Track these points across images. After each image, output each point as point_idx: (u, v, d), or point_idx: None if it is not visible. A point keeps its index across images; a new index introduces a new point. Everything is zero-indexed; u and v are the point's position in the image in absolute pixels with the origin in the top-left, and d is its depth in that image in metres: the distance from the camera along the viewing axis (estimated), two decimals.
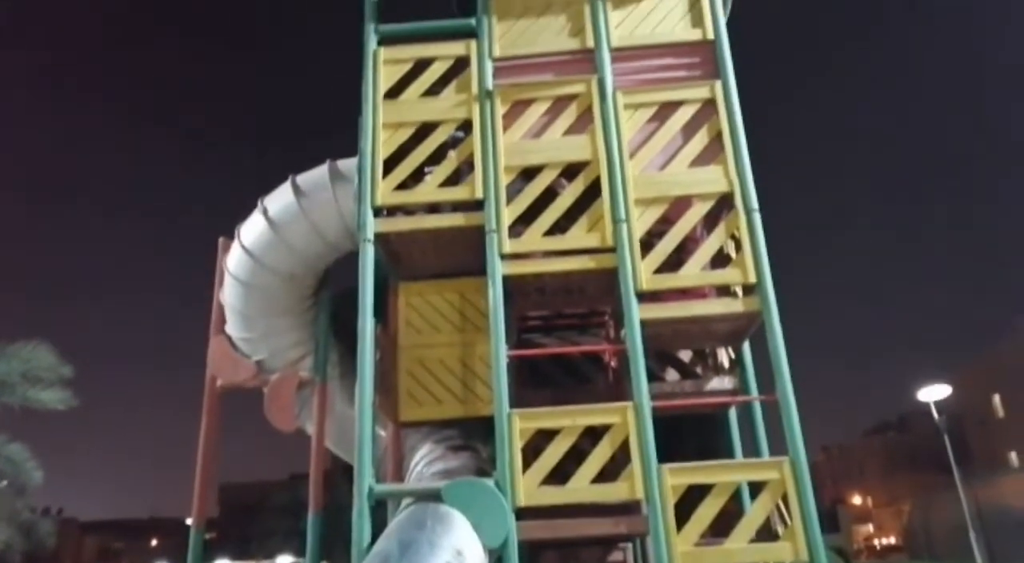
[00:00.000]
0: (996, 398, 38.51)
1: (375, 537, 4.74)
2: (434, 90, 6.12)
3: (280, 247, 7.36)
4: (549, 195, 5.72)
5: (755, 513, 4.94)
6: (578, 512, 5.02)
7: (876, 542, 53.74)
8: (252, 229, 7.47)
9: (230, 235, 7.87)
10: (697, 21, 6.15)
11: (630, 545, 7.07)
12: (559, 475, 4.97)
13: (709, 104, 5.83)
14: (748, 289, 5.49)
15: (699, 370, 6.59)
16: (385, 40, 6.32)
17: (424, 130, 5.98)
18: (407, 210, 6.00)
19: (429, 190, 5.87)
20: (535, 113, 5.93)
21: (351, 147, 6.37)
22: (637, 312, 5.27)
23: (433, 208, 6.00)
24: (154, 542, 64.39)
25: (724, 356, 6.61)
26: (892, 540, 51.05)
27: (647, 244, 5.49)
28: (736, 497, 5.49)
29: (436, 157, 5.95)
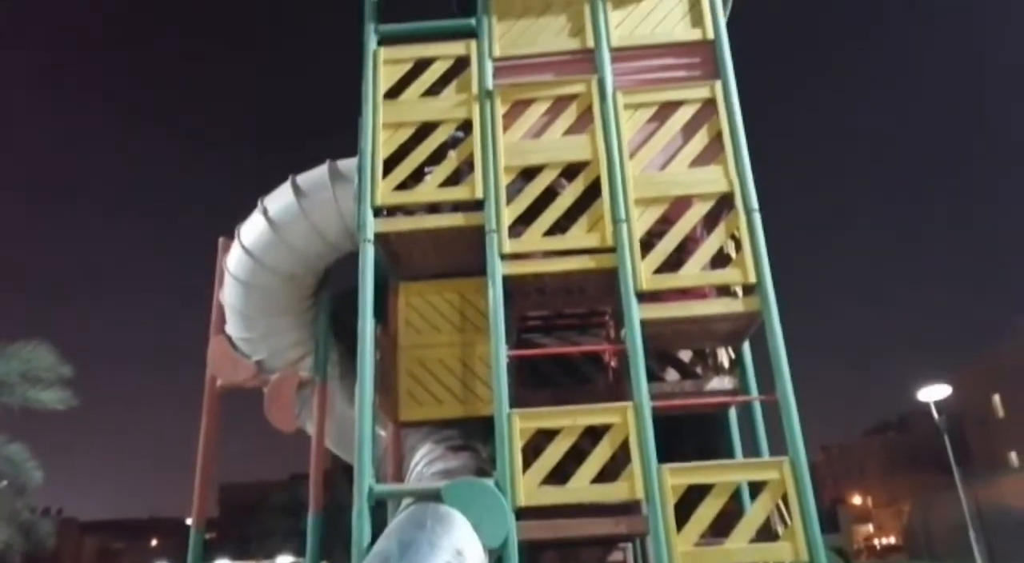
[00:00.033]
0: (996, 398, 38.53)
1: (375, 537, 4.74)
2: (434, 90, 6.12)
3: (280, 247, 7.36)
4: (549, 195, 5.72)
5: (755, 513, 4.94)
6: (578, 512, 5.02)
7: (876, 542, 53.76)
8: (252, 229, 7.47)
9: (230, 235, 7.87)
10: (697, 21, 6.15)
11: (630, 545, 7.07)
12: (559, 475, 4.97)
13: (709, 104, 5.84)
14: (748, 289, 5.49)
15: (699, 370, 6.59)
16: (385, 40, 6.32)
17: (424, 130, 5.98)
18: (407, 210, 6.00)
19: (429, 190, 5.87)
20: (535, 113, 5.93)
21: (351, 147, 6.37)
22: (637, 312, 5.27)
23: (433, 208, 6.00)
24: (154, 542, 64.40)
25: (724, 356, 6.61)
26: (892, 540, 51.06)
27: (647, 244, 5.49)
28: (736, 497, 5.49)
29: (436, 157, 5.94)
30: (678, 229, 5.55)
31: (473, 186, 5.68)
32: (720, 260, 5.60)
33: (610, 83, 5.92)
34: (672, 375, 6.61)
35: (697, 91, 5.89)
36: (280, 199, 7.33)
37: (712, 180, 5.64)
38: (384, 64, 6.17)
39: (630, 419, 5.00)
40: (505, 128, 5.87)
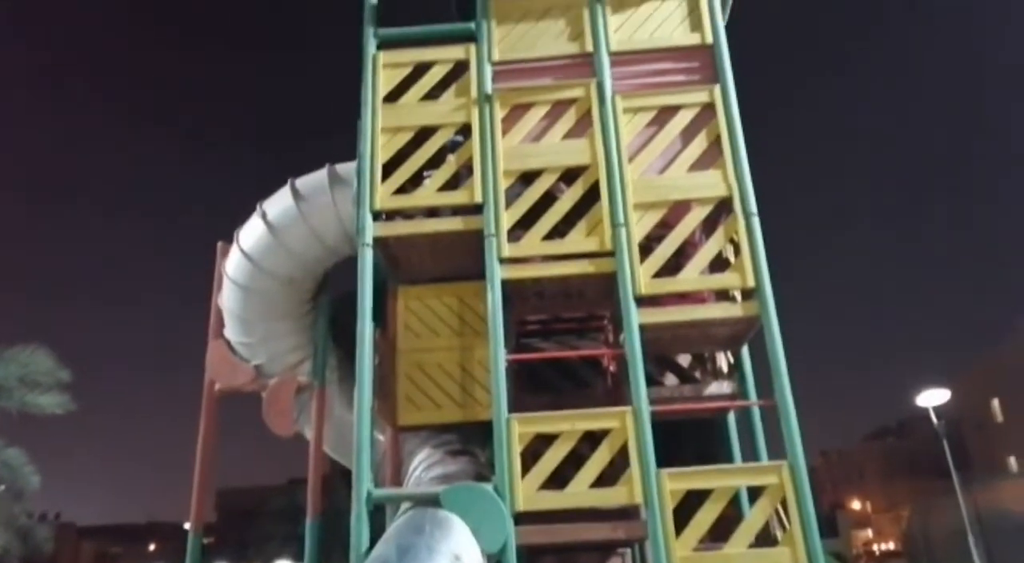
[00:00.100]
0: (995, 402, 38.50)
1: (373, 542, 4.72)
2: (433, 94, 6.12)
3: (279, 251, 7.36)
4: (548, 199, 5.72)
5: (754, 518, 4.93)
6: (577, 517, 5.00)
7: (875, 547, 53.69)
8: (251, 233, 7.47)
9: (229, 239, 7.87)
10: (696, 25, 6.15)
11: (629, 550, 7.05)
12: (558, 480, 4.95)
13: (708, 108, 5.84)
14: (747, 293, 5.49)
15: (698, 374, 6.59)
16: (384, 44, 6.33)
17: (423, 134, 5.98)
18: (406, 214, 6.00)
19: (428, 194, 5.87)
20: (534, 117, 5.94)
21: (351, 147, 6.36)
22: (636, 316, 5.26)
23: (432, 212, 6.00)
24: (152, 547, 64.25)
25: (723, 360, 6.61)
26: (891, 545, 50.98)
27: (646, 248, 5.48)
28: (735, 502, 5.48)
29: (435, 161, 5.95)
30: (677, 233, 5.55)
31: (472, 190, 5.68)
32: (719, 264, 5.60)
33: (609, 87, 5.93)
34: (671, 379, 6.61)
35: (696, 95, 5.90)
36: (279, 203, 7.33)
37: (711, 184, 5.64)
38: (383, 68, 6.18)
39: (629, 424, 4.99)
40: (504, 132, 5.87)
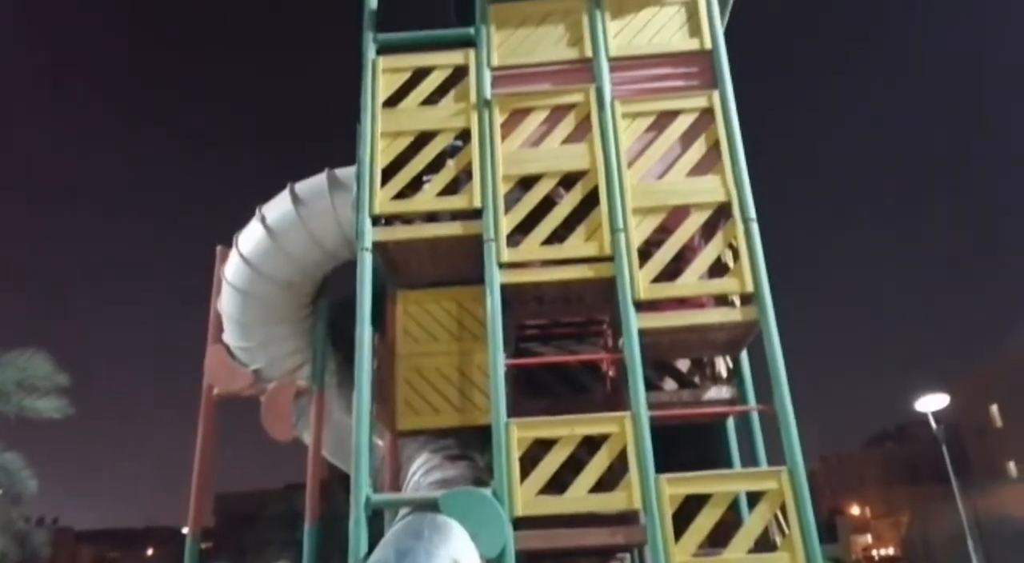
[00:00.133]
0: (994, 408, 38.50)
1: (372, 547, 4.72)
2: (433, 99, 6.13)
3: (278, 255, 7.36)
4: (547, 204, 5.73)
5: (753, 523, 4.92)
6: (576, 522, 4.99)
7: (874, 553, 53.66)
8: (250, 237, 7.48)
9: (228, 240, 7.87)
10: (695, 31, 6.17)
11: (628, 555, 7.04)
12: (557, 485, 4.95)
13: (707, 113, 5.85)
14: (746, 298, 5.49)
15: (697, 379, 6.59)
16: (384, 49, 6.34)
17: (423, 139, 5.99)
18: (405, 219, 6.01)
19: (427, 199, 5.87)
20: (533, 122, 5.94)
21: (351, 149, 6.37)
22: (635, 321, 5.26)
23: (431, 217, 6.01)
24: (150, 551, 64.08)
25: (722, 365, 6.61)
26: (890, 551, 50.93)
27: (645, 253, 5.49)
28: (734, 507, 5.47)
29: (434, 166, 5.95)
30: (676, 238, 5.55)
31: (471, 195, 5.69)
32: (718, 269, 5.60)
33: (608, 92, 5.94)
34: (670, 384, 6.60)
35: (695, 101, 5.91)
36: (278, 207, 7.34)
37: (710, 189, 5.65)
38: (383, 73, 6.19)
39: (628, 429, 4.98)
40: (503, 137, 5.88)
